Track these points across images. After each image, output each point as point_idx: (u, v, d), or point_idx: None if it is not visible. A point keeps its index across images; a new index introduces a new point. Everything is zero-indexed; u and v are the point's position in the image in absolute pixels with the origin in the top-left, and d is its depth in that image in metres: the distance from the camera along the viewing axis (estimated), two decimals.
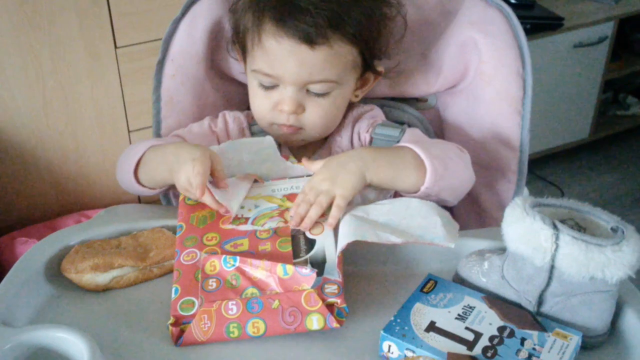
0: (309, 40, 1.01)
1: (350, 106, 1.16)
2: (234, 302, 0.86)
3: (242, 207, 1.00)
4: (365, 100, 1.21)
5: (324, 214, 0.96)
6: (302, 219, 0.95)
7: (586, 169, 2.84)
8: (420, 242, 0.91)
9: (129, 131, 2.10)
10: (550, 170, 2.80)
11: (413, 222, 0.93)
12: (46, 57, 1.90)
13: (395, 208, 0.96)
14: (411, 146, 1.01)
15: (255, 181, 1.04)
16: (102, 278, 0.95)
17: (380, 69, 1.13)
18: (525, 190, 1.25)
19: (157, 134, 1.21)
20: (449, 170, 1.00)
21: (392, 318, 0.84)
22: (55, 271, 0.96)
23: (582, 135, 2.84)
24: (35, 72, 1.90)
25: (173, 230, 1.00)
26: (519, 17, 1.16)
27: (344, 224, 0.93)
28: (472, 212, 1.21)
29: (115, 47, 1.97)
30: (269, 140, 1.09)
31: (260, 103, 1.10)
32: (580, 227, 0.86)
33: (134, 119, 2.09)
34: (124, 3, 1.92)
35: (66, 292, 0.95)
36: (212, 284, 0.89)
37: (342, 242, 0.90)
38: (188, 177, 0.96)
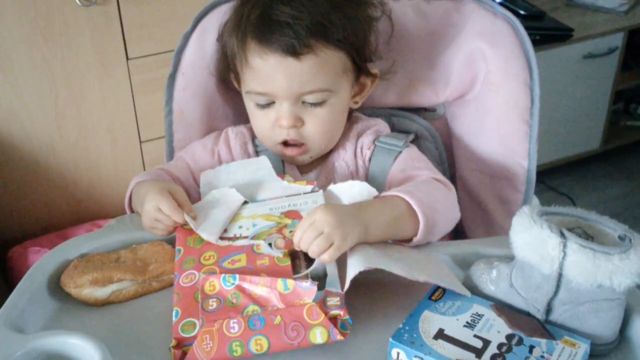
0: (294, 52, 1.02)
1: (355, 119, 1.17)
2: (236, 321, 0.84)
3: (240, 227, 0.99)
4: (374, 110, 1.21)
5: None
6: (307, 246, 0.90)
7: (597, 179, 2.84)
8: (440, 284, 0.89)
9: (140, 141, 2.12)
10: (561, 180, 2.79)
11: (426, 268, 0.92)
12: (58, 69, 1.92)
13: (403, 253, 0.93)
14: (402, 195, 0.97)
15: (245, 202, 1.03)
16: (101, 292, 0.94)
17: (375, 71, 1.13)
18: (536, 200, 1.25)
19: (170, 146, 1.23)
20: (438, 215, 0.98)
21: (401, 325, 0.84)
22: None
23: (593, 145, 2.84)
24: (48, 83, 1.93)
25: (173, 243, 1.00)
26: (529, 28, 1.16)
27: (356, 255, 0.90)
28: (481, 222, 1.21)
29: (127, 58, 1.99)
30: (263, 160, 1.09)
31: (260, 123, 1.10)
32: (587, 235, 0.86)
33: (146, 129, 2.11)
34: (136, 15, 1.95)
35: (67, 305, 0.95)
36: (213, 303, 0.87)
37: (360, 266, 0.87)
38: (152, 217, 0.98)
